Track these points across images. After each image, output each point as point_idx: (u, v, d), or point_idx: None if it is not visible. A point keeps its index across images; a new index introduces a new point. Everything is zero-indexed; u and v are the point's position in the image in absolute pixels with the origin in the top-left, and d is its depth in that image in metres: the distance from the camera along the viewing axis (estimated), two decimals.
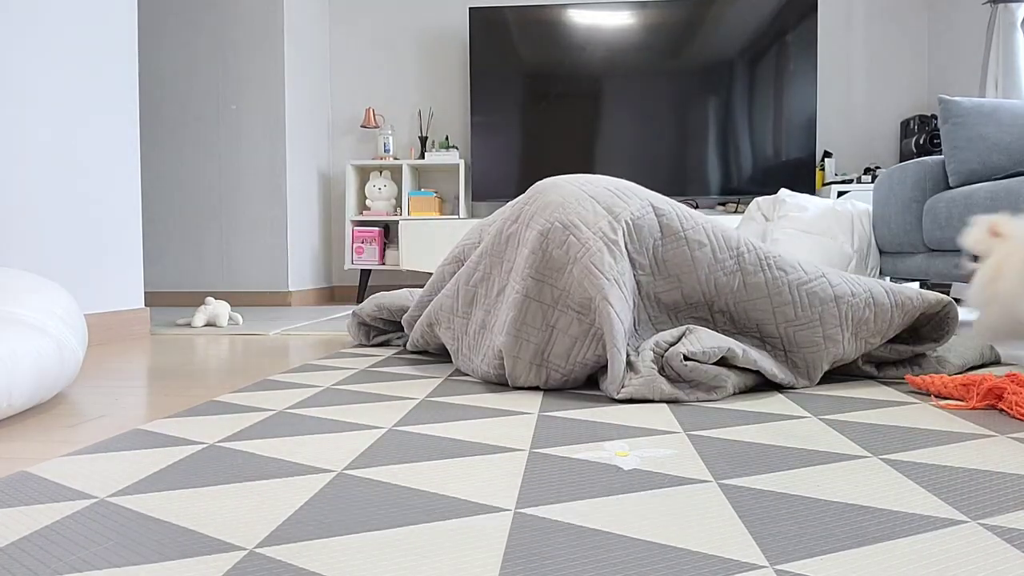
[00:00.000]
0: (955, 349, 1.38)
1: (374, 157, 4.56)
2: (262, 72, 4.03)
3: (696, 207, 4.35)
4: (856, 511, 0.62)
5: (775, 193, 3.46)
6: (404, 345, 1.91)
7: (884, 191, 2.64)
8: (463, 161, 4.38)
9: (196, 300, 4.05)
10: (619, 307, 1.16)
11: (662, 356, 1.15)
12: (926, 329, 1.32)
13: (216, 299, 3.25)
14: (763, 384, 1.22)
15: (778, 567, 0.51)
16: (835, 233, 2.79)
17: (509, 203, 1.45)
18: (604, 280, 1.16)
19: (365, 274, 4.40)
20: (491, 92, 4.36)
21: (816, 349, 1.22)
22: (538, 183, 1.40)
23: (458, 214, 4.46)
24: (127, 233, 2.37)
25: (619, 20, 4.28)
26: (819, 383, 1.26)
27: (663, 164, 4.29)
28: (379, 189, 4.37)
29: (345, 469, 0.76)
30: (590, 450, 0.83)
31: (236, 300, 4.07)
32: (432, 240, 3.91)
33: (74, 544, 0.57)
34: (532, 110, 4.36)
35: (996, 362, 1.45)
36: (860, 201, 3.08)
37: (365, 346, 1.93)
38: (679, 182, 4.28)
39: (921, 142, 3.96)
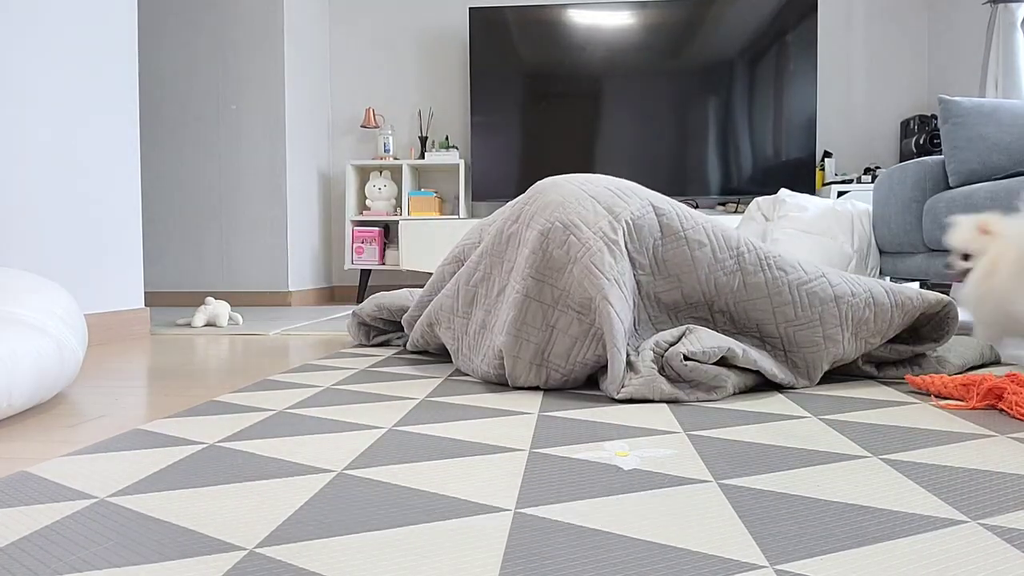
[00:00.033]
0: (955, 349, 1.38)
1: (374, 157, 4.56)
2: (262, 72, 4.03)
3: (696, 207, 4.34)
4: (856, 511, 0.62)
5: (775, 193, 3.45)
6: (404, 345, 1.91)
7: (884, 191, 2.64)
8: (463, 161, 4.38)
9: (196, 300, 4.05)
10: (619, 307, 1.16)
11: (662, 356, 1.15)
12: (926, 329, 1.32)
13: (216, 299, 3.25)
14: (763, 384, 1.22)
15: (778, 567, 0.51)
16: (835, 233, 2.79)
17: (509, 203, 1.45)
18: (604, 280, 1.16)
19: (365, 274, 4.40)
20: (491, 92, 4.36)
21: (816, 349, 1.22)
22: (538, 183, 1.39)
23: (458, 214, 4.46)
24: (127, 233, 2.37)
25: (619, 20, 4.28)
26: (819, 383, 1.26)
27: (663, 164, 4.29)
28: (379, 189, 4.37)
29: (345, 469, 0.76)
30: (590, 450, 0.83)
31: (236, 300, 4.07)
32: (432, 240, 3.91)
33: (74, 544, 0.57)
34: (532, 110, 4.36)
35: (996, 362, 1.45)
36: (860, 201, 3.08)
37: (365, 346, 1.93)
38: (679, 182, 4.28)
39: (921, 142, 3.96)
